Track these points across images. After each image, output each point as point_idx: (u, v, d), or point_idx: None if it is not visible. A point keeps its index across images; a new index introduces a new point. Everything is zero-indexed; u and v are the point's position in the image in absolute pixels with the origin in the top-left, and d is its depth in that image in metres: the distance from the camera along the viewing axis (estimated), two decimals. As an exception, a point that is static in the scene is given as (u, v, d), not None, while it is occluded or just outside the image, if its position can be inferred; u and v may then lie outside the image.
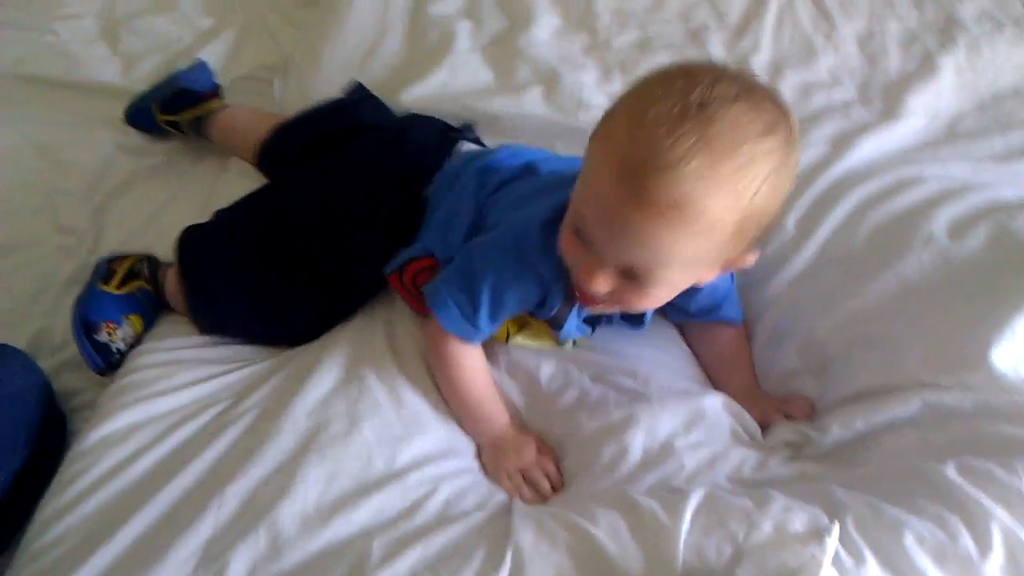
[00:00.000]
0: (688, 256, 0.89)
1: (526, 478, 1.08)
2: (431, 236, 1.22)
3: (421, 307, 1.17)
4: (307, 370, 1.15)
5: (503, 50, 1.62)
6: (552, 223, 1.00)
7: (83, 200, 1.52)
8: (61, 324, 1.34)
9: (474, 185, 1.21)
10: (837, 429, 1.05)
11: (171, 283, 1.31)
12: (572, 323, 1.12)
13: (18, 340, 1.26)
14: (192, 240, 1.30)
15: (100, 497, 1.03)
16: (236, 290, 1.25)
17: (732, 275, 1.18)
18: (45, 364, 1.23)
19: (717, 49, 1.60)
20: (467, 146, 1.34)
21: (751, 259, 0.97)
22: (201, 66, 1.64)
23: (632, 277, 0.92)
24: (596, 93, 1.53)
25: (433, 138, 1.35)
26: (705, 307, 1.16)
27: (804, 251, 1.23)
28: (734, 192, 0.84)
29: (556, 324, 1.13)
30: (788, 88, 1.52)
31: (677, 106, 0.82)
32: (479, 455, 1.13)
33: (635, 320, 1.16)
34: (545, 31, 1.65)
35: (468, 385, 1.13)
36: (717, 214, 0.84)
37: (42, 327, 1.35)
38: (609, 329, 1.19)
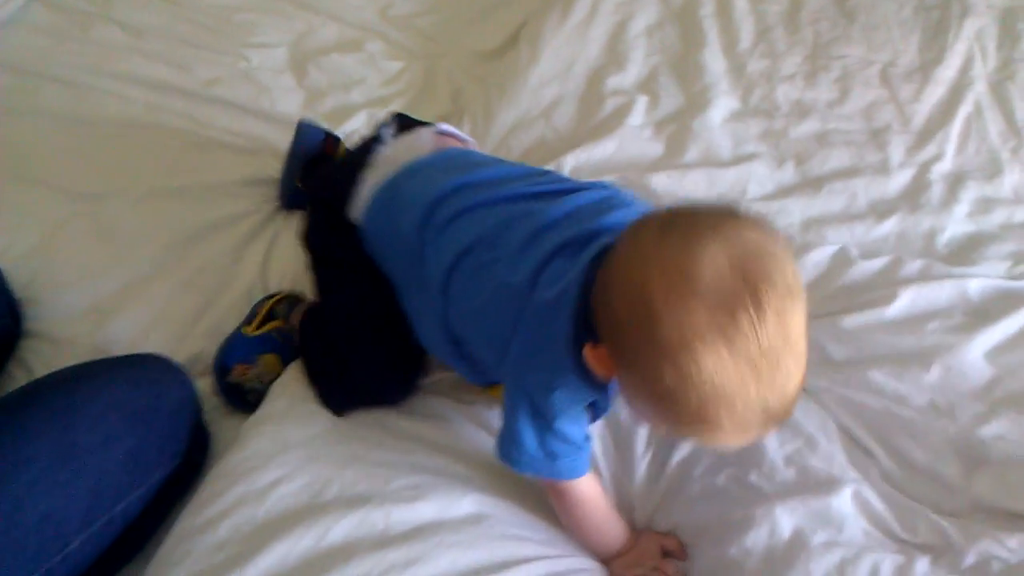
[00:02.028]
0: None
1: None
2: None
3: None
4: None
5: (676, 128, 1.61)
6: (574, 346, 0.94)
7: (259, 227, 1.57)
8: (216, 347, 1.39)
9: (438, 282, 1.12)
10: (986, 547, 1.03)
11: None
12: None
13: (176, 356, 1.30)
14: (304, 328, 1.34)
15: (232, 522, 1.05)
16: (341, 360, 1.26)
17: None
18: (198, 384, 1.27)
19: (898, 152, 1.55)
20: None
21: None
22: (302, 129, 1.54)
23: None
24: (766, 183, 1.51)
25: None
26: None
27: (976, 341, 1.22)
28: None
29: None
30: (968, 201, 1.47)
31: (754, 340, 0.76)
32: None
33: None
34: (721, 113, 1.64)
35: (591, 519, 1.12)
36: None
37: (202, 349, 1.40)
38: None
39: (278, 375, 1.31)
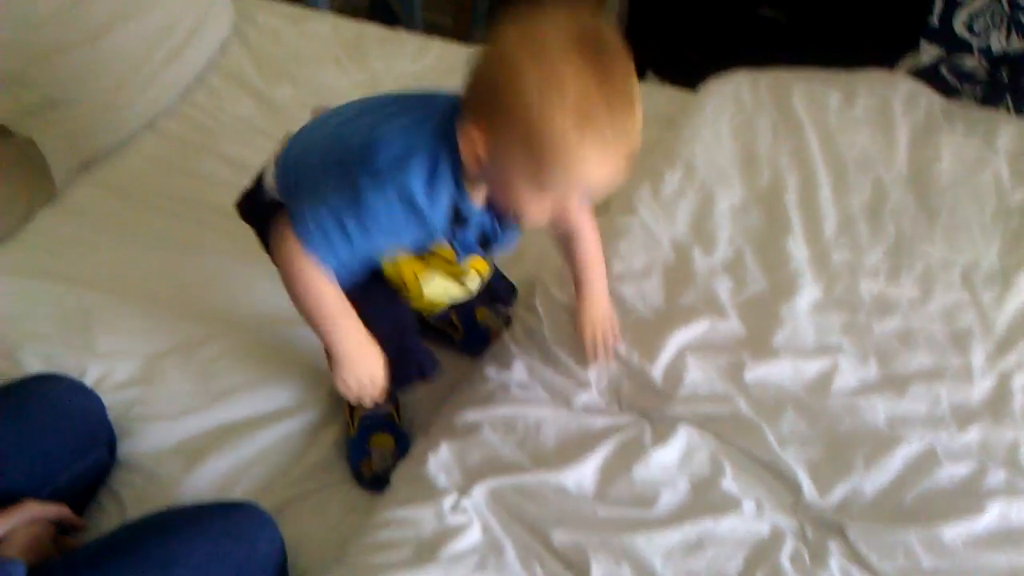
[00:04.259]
0: None
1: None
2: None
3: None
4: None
5: (760, 313, 1.64)
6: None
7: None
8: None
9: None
10: None
11: None
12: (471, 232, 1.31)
13: (264, 502, 1.33)
14: None
15: None
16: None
17: None
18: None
19: (978, 358, 1.57)
20: None
21: None
22: None
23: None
24: (849, 378, 1.53)
25: None
26: None
27: None
28: None
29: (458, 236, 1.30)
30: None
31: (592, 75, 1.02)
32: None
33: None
34: (805, 301, 1.67)
35: (325, 300, 1.25)
36: None
37: (290, 497, 1.43)
38: None
39: (393, 447, 1.49)
